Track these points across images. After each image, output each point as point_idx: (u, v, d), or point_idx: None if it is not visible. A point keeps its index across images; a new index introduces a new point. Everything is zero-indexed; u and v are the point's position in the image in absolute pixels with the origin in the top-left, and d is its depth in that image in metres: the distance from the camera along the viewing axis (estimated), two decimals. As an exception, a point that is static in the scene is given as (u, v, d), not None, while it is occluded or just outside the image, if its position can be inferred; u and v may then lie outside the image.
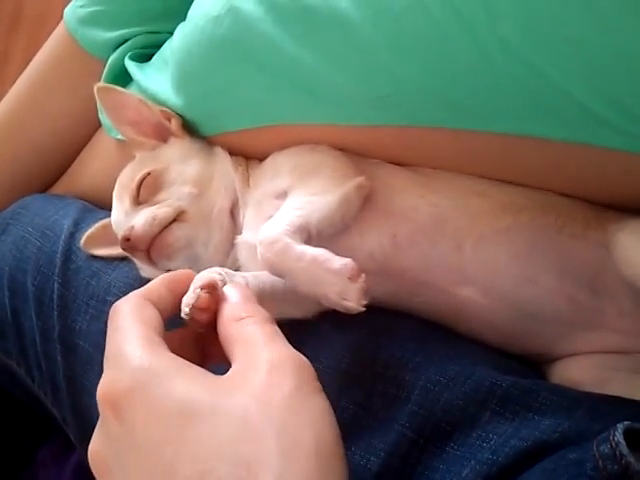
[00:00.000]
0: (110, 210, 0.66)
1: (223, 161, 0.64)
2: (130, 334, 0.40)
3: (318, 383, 0.37)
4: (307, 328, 0.56)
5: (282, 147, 0.61)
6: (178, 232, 0.59)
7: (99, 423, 0.40)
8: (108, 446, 0.38)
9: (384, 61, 0.49)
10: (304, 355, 0.54)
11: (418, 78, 0.49)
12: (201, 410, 0.35)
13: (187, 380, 0.37)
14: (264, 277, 0.56)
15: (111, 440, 0.38)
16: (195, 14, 0.59)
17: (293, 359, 0.38)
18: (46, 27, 0.86)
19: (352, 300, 0.47)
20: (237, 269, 0.62)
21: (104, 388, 0.39)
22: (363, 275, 0.48)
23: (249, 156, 0.65)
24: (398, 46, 0.48)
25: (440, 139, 0.53)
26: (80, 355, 0.65)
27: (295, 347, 0.55)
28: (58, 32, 0.80)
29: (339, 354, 0.54)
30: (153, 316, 0.41)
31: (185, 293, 0.44)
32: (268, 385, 0.35)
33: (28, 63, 0.83)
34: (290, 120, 0.58)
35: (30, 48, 0.86)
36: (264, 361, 0.37)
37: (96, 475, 0.39)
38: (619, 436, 0.37)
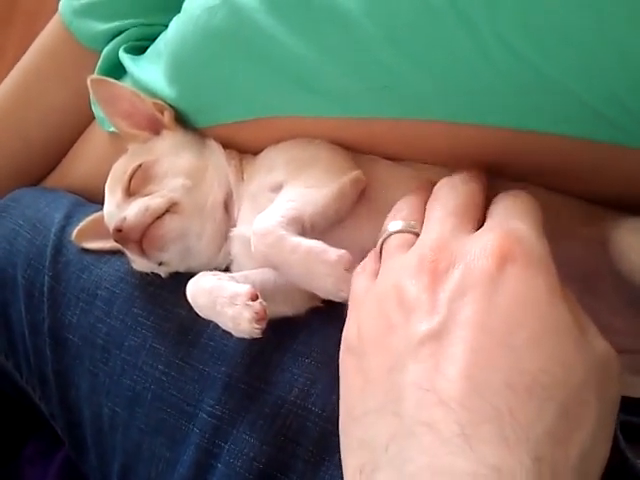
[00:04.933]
0: (102, 204, 0.65)
1: (216, 154, 0.64)
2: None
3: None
4: (298, 322, 0.55)
5: (276, 140, 0.60)
6: (171, 223, 0.59)
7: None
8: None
9: (379, 53, 0.48)
10: (295, 349, 0.54)
11: (413, 71, 0.48)
12: None
13: None
14: (253, 276, 0.56)
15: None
16: (190, 5, 0.59)
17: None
18: (40, 22, 0.85)
19: (349, 290, 0.47)
20: (229, 264, 0.61)
21: (450, 243, 0.41)
22: (357, 266, 0.48)
23: (242, 149, 0.65)
24: (394, 38, 0.47)
25: (435, 133, 0.52)
26: (69, 349, 0.64)
27: (287, 341, 0.55)
28: (53, 23, 0.80)
29: (331, 348, 0.53)
30: None
31: None
32: None
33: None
34: (284, 112, 0.57)
35: (24, 43, 0.84)
36: None
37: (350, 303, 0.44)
38: (617, 429, 0.37)
